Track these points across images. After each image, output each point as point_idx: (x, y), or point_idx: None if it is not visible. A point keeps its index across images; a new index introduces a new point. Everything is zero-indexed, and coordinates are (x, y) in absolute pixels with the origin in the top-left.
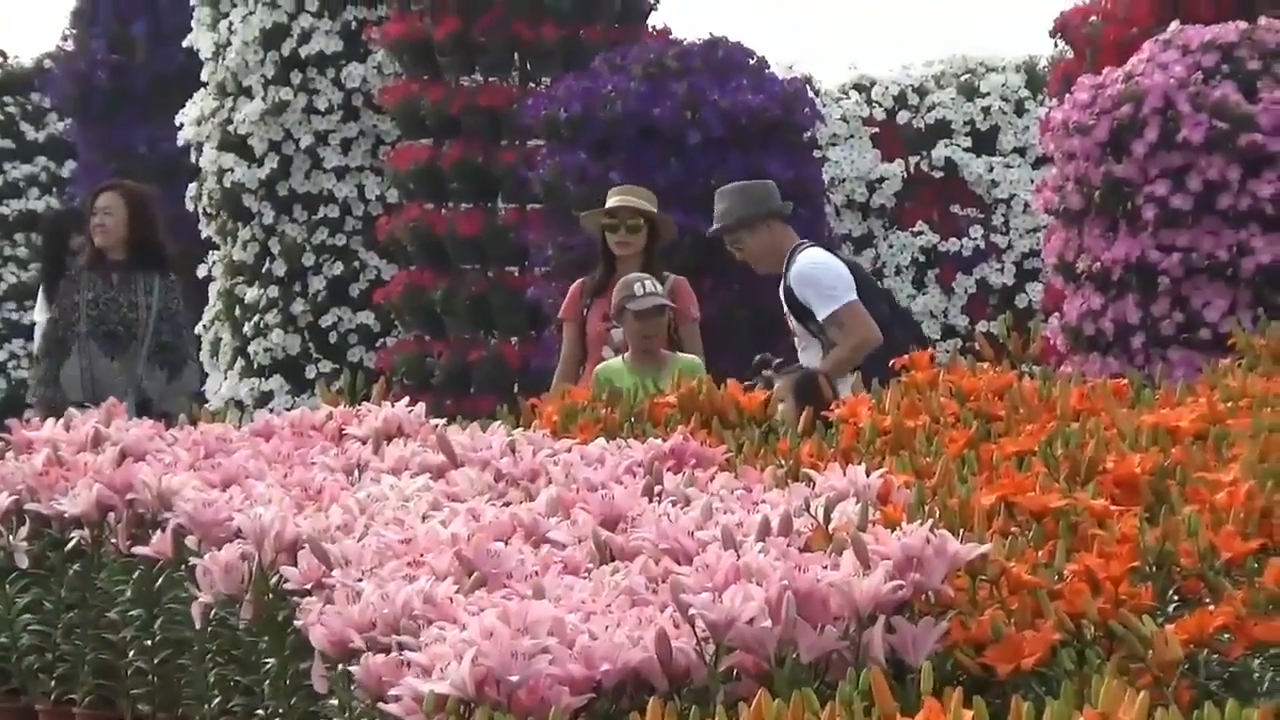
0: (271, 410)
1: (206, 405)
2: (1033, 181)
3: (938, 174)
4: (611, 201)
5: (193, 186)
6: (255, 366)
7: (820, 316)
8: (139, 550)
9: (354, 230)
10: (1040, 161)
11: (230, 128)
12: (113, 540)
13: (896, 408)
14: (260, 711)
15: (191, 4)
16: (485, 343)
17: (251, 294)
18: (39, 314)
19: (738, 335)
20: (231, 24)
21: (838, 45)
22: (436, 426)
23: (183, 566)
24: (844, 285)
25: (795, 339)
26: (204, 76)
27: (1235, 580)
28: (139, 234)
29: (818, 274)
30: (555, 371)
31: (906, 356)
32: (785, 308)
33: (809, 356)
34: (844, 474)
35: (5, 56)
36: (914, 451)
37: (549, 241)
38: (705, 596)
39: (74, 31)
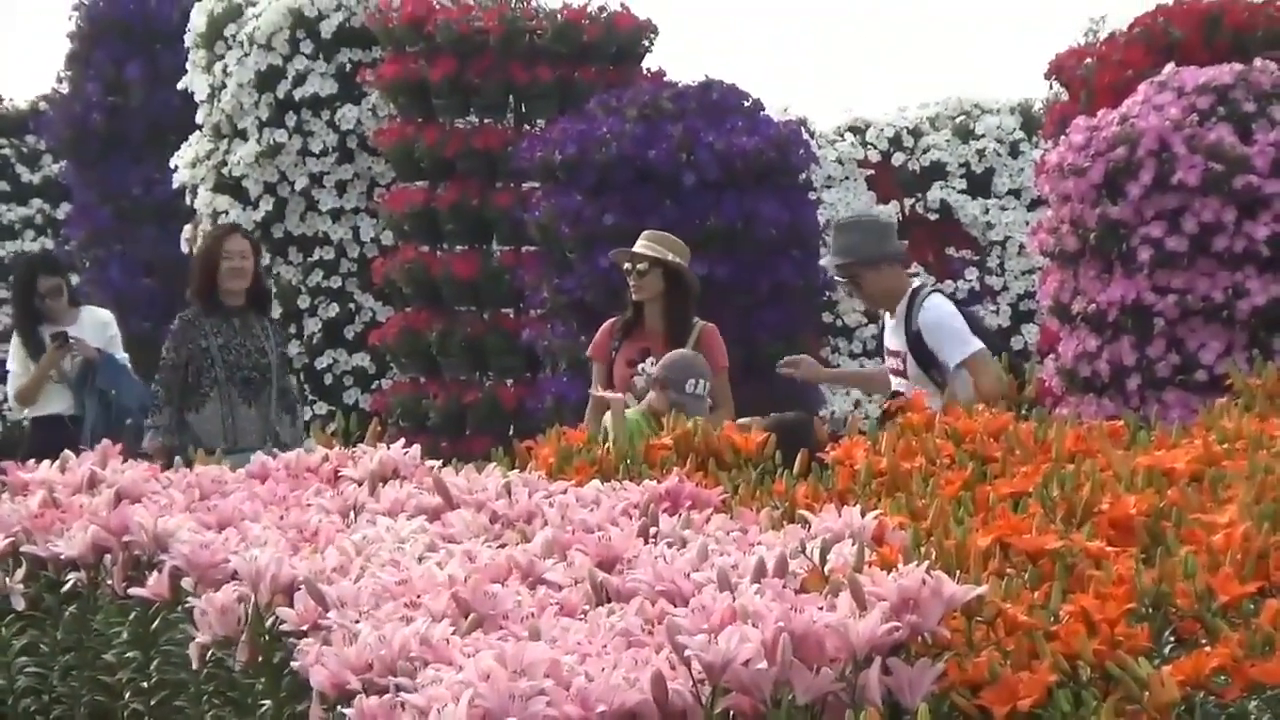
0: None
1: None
2: (1028, 223)
3: (933, 216)
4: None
5: (188, 229)
6: None
7: (953, 362)
8: (135, 592)
9: (349, 272)
10: (1035, 203)
11: (225, 170)
12: (109, 582)
13: (892, 449)
14: None
15: (186, 47)
16: (480, 384)
17: None
18: (12, 360)
19: (733, 378)
20: (226, 67)
21: (833, 88)
22: (432, 468)
23: (179, 608)
24: (971, 333)
25: (908, 381)
26: (199, 119)
27: (1232, 622)
28: (260, 280)
29: (950, 320)
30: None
31: None
32: (906, 348)
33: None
34: (840, 516)
35: (0, 99)
36: (910, 493)
37: (544, 283)
38: (701, 638)
39: (69, 74)
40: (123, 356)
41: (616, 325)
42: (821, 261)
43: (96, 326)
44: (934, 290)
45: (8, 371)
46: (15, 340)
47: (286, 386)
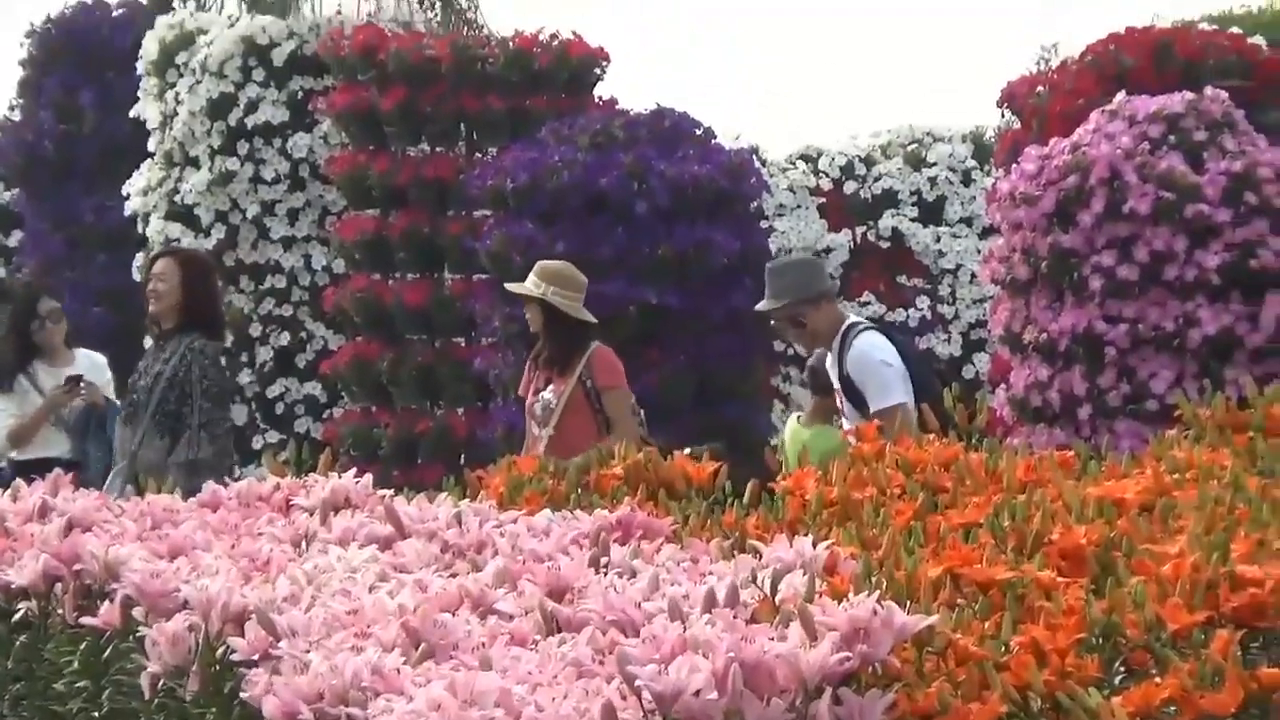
0: None
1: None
2: (979, 252)
3: (884, 244)
4: None
5: (139, 256)
6: None
7: (872, 408)
8: (86, 621)
9: (300, 301)
10: (987, 232)
11: (177, 198)
12: (60, 611)
13: (843, 479)
14: None
15: (139, 74)
16: (432, 413)
17: None
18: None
19: (684, 405)
20: (178, 94)
21: (785, 116)
22: (384, 497)
23: (130, 637)
24: (898, 378)
25: (845, 418)
26: (151, 146)
27: (1182, 652)
28: (191, 301)
29: (876, 365)
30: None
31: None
32: (839, 387)
33: None
34: (790, 545)
35: None
36: (861, 523)
37: (495, 312)
38: (652, 668)
39: (21, 101)
40: (119, 403)
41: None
42: (758, 306)
43: (95, 370)
44: (867, 328)
45: None
46: None
47: (176, 411)
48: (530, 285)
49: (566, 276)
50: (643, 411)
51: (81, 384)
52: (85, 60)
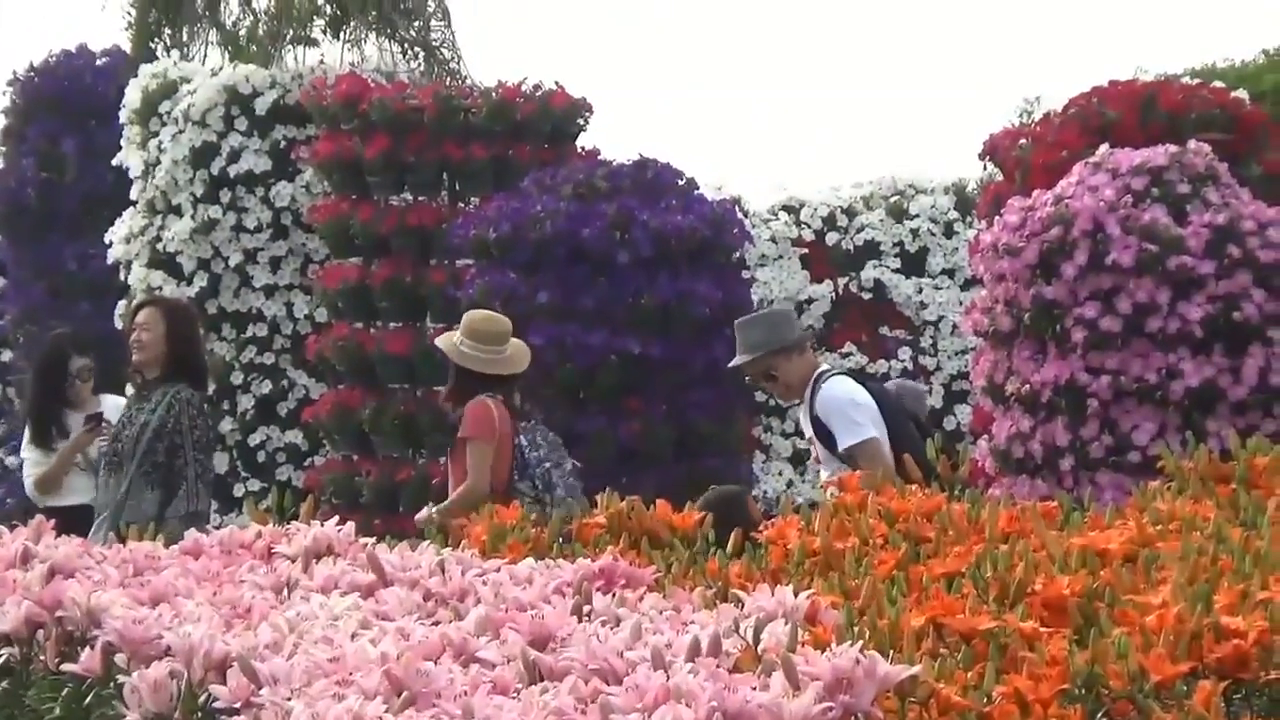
0: None
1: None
2: (961, 303)
3: (866, 295)
4: None
5: (122, 304)
6: None
7: (840, 447)
8: (68, 668)
9: (282, 349)
10: (969, 283)
11: (159, 246)
12: (41, 658)
13: (826, 529)
14: None
15: (121, 122)
16: (413, 462)
17: None
18: (27, 447)
19: (665, 456)
20: (161, 143)
21: (767, 166)
22: (366, 545)
23: (112, 684)
24: (867, 418)
25: (822, 465)
26: (133, 195)
27: (1165, 703)
28: (176, 350)
29: (842, 404)
30: None
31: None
32: (812, 434)
33: None
34: (773, 595)
35: None
36: (843, 573)
37: None
38: (634, 717)
39: (3, 150)
40: None
41: None
42: (731, 363)
43: (119, 413)
44: (837, 374)
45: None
46: (28, 429)
47: (167, 463)
48: (442, 341)
49: (477, 329)
50: (578, 465)
51: (103, 424)
52: (68, 109)
